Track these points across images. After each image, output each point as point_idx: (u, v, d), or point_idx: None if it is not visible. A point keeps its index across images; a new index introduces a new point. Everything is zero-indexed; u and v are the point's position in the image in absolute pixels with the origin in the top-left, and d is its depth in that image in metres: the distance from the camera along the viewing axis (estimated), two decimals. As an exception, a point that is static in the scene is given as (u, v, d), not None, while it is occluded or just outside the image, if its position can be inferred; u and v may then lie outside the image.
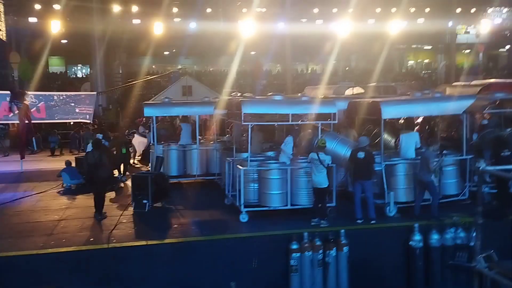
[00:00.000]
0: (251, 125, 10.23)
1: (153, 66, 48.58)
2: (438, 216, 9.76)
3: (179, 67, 51.66)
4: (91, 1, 26.22)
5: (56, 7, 27.91)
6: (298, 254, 8.93)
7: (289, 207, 10.29)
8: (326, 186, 9.82)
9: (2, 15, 26.92)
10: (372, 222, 9.83)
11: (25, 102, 16.56)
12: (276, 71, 49.14)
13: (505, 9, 39.37)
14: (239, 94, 21.81)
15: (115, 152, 14.73)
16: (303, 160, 10.45)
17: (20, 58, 30.62)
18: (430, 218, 9.72)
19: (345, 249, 9.08)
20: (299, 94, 13.23)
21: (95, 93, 21.65)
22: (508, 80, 17.64)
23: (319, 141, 9.94)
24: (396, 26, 28.49)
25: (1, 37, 27.07)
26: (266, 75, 41.90)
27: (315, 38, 34.24)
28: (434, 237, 9.29)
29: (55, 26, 26.32)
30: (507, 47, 45.93)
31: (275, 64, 49.15)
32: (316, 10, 30.71)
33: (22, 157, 16.76)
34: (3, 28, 27.14)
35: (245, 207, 10.19)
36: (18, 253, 8.49)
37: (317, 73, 44.66)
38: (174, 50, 46.94)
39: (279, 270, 9.07)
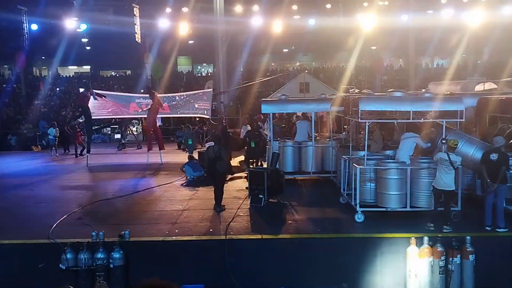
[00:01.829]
0: (369, 122, 9.90)
1: (272, 64, 49.58)
2: None
3: (298, 64, 52.22)
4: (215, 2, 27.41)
5: (185, 9, 29.71)
6: (418, 259, 8.45)
7: (408, 209, 9.80)
8: (454, 188, 9.17)
9: (138, 19, 29.39)
10: (501, 230, 8.95)
11: (156, 98, 17.86)
12: (398, 66, 47.11)
13: None
14: (356, 90, 21.36)
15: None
16: (425, 160, 9.87)
17: (152, 58, 33.32)
18: None
19: (471, 257, 8.38)
20: (423, 90, 12.43)
21: (211, 89, 22.75)
22: None
23: (450, 141, 9.28)
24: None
25: (137, 40, 29.57)
26: (386, 71, 40.41)
27: (441, 30, 32.14)
28: None
29: (184, 28, 28.09)
30: None
31: (397, 58, 47.17)
32: (444, 0, 28.73)
33: (149, 149, 18.37)
34: (139, 31, 29.64)
35: (361, 206, 9.92)
36: (147, 238, 9.21)
37: (443, 67, 41.95)
38: (293, 47, 47.40)
39: (396, 274, 8.68)
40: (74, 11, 28.47)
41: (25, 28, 28.91)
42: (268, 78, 34.24)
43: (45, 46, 34.99)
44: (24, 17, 28.68)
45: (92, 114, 17.80)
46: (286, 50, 48.59)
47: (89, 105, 17.62)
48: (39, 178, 15.96)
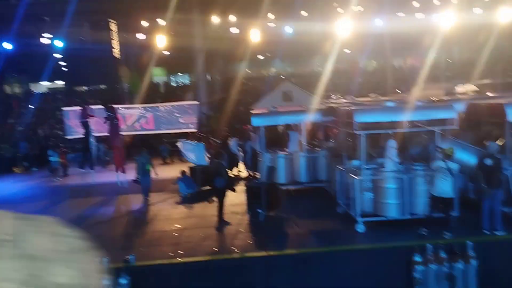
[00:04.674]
0: (365, 134, 10.09)
1: (248, 71, 49.67)
2: None
3: (273, 70, 52.54)
4: (192, 13, 27.44)
5: (161, 22, 29.58)
6: (422, 267, 8.66)
7: (407, 217, 10.01)
8: (452, 195, 9.44)
9: (115, 34, 29.11)
10: (499, 233, 9.25)
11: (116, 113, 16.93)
12: (372, 68, 47.89)
13: None
14: (339, 97, 21.66)
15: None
16: (420, 168, 10.12)
17: (128, 72, 33.03)
18: None
19: (473, 262, 8.64)
20: (408, 95, 12.73)
21: (197, 102, 22.63)
22: None
23: (446, 149, 9.54)
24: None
25: (115, 55, 29.28)
26: (361, 73, 41.04)
27: (413, 32, 32.88)
28: None
29: (161, 41, 27.96)
30: None
31: (370, 60, 47.92)
32: (416, 4, 29.48)
33: (119, 170, 16.52)
34: (117, 46, 29.35)
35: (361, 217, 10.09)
36: (153, 262, 9.16)
37: (416, 67, 42.85)
38: (268, 54, 47.61)
39: (400, 283, 8.87)
40: (49, 27, 28.00)
41: (1, 48, 28.27)
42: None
43: (17, 63, 34.24)
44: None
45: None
46: (262, 57, 48.80)
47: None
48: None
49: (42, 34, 29.27)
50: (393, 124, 10.23)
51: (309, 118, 14.70)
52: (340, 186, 11.46)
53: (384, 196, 10.06)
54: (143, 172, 13.82)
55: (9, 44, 28.66)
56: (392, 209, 10.04)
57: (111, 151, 19.11)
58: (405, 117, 10.09)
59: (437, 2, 28.50)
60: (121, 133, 17.35)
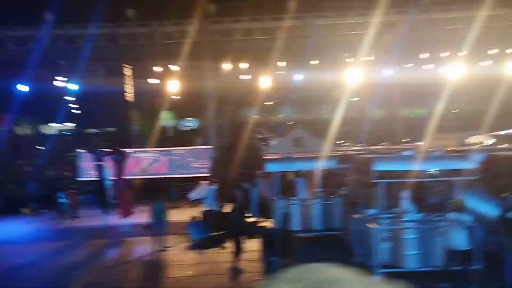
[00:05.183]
0: (384, 182, 10.05)
1: (256, 116, 50.17)
2: None
3: (281, 116, 53.11)
4: (204, 60, 28.05)
5: (173, 67, 30.25)
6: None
7: (427, 268, 9.80)
8: (466, 248, 9.25)
9: (129, 79, 29.73)
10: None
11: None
12: (380, 116, 48.25)
13: None
14: (351, 144, 21.73)
15: None
16: (439, 218, 10.00)
17: (139, 115, 33.49)
18: None
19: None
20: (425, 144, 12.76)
21: (210, 147, 22.77)
22: None
23: (456, 201, 9.46)
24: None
25: (128, 99, 29.80)
26: (370, 122, 41.34)
27: (421, 82, 33.40)
28: None
29: (173, 86, 28.48)
30: None
31: (378, 109, 48.36)
32: (425, 55, 30.13)
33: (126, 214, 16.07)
34: (130, 90, 29.91)
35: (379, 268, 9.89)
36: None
37: (422, 117, 43.19)
38: (277, 100, 48.23)
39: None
40: (63, 71, 28.64)
41: (15, 90, 28.90)
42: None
43: (29, 105, 34.82)
44: (14, 80, 28.76)
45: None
46: (270, 103, 49.43)
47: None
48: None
49: (56, 78, 29.88)
50: (411, 174, 10.20)
51: (323, 165, 14.71)
52: (356, 235, 11.30)
53: (403, 247, 9.90)
54: (158, 218, 13.65)
55: (24, 86, 29.25)
56: (411, 260, 9.84)
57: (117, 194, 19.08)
58: (424, 166, 10.07)
59: (444, 54, 29.08)
60: (128, 177, 17.39)
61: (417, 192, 11.22)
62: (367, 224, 10.50)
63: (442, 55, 29.23)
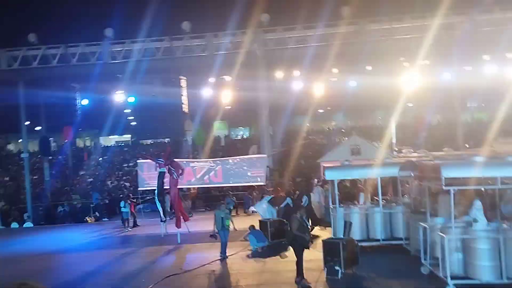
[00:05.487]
0: (455, 189, 9.56)
1: (307, 124, 49.82)
2: None
3: (333, 123, 52.52)
4: (257, 69, 28.11)
5: (226, 77, 30.56)
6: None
7: (504, 281, 9.21)
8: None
9: (185, 90, 30.34)
10: None
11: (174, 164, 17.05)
12: (436, 121, 46.66)
13: None
14: (411, 151, 21.04)
15: None
16: (514, 227, 9.40)
17: (193, 125, 34.02)
18: None
19: None
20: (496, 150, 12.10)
21: (265, 155, 22.67)
22: None
23: None
24: None
25: (184, 110, 30.39)
26: (427, 127, 40.04)
27: (481, 85, 31.97)
28: None
29: (226, 96, 28.76)
30: None
31: (434, 114, 46.78)
32: (486, 57, 28.76)
33: (178, 226, 16.58)
34: (186, 101, 30.51)
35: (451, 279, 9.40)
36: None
37: (483, 121, 41.37)
38: (329, 108, 47.71)
39: None
40: (122, 84, 29.60)
41: (77, 104, 30.24)
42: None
43: (90, 118, 36.29)
44: (77, 94, 30.16)
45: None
46: (322, 110, 48.97)
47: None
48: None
49: (115, 91, 30.92)
50: (482, 180, 9.67)
51: (383, 172, 14.25)
52: (423, 244, 10.82)
53: (477, 258, 9.36)
54: (222, 227, 13.67)
55: (85, 100, 30.53)
56: (486, 272, 9.28)
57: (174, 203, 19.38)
58: (496, 172, 9.51)
59: (509, 55, 27.68)
60: (184, 186, 17.66)
61: (489, 199, 10.63)
62: (439, 233, 10.01)
63: (507, 55, 27.82)
